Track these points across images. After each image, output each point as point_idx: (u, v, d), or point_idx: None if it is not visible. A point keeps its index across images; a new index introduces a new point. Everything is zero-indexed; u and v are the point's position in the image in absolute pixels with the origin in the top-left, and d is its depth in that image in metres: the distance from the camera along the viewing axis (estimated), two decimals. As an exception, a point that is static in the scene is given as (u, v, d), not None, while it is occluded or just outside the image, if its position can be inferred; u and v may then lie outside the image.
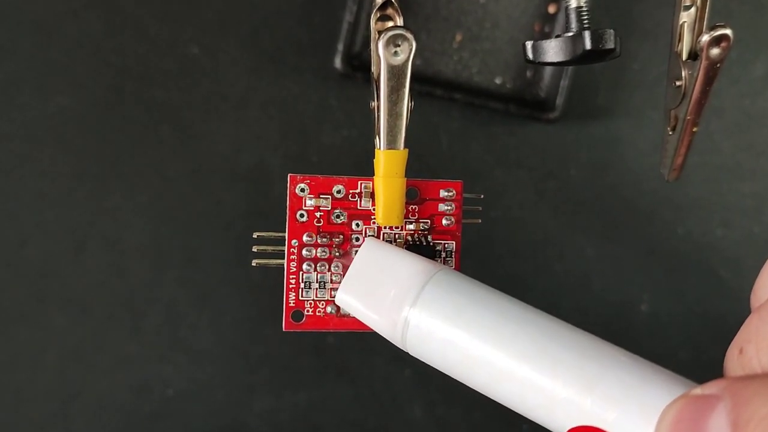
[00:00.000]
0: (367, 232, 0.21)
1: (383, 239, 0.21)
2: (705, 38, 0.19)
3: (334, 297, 0.21)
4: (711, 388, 0.15)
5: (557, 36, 0.20)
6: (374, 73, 0.20)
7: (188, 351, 0.31)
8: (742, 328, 0.16)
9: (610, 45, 0.20)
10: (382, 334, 0.20)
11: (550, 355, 0.17)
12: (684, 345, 0.32)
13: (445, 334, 0.18)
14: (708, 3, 0.20)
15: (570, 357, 0.17)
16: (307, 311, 0.21)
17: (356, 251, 0.21)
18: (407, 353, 0.19)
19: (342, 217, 0.21)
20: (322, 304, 0.21)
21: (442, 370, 0.19)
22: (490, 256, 0.32)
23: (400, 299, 0.19)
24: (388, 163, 0.20)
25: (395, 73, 0.19)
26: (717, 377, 0.15)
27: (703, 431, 0.14)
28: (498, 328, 0.18)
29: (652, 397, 0.16)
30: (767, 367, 0.15)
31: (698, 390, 0.15)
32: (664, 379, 0.16)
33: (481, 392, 0.18)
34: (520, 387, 0.17)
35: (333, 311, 0.21)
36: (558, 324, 0.18)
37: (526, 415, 0.17)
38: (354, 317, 0.20)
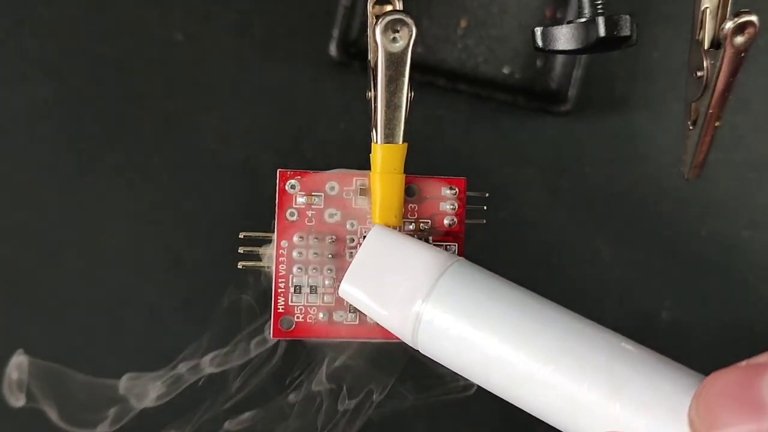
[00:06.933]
0: (363, 232, 0.21)
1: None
2: (729, 25, 0.19)
3: (326, 303, 0.21)
4: (763, 357, 0.15)
5: (569, 22, 0.20)
6: (371, 61, 0.20)
7: (170, 360, 0.31)
8: None
9: (626, 32, 0.20)
10: (390, 330, 0.20)
11: (576, 355, 0.17)
12: (708, 355, 0.32)
13: (461, 331, 0.18)
14: (732, -13, 0.20)
15: (597, 357, 0.17)
16: (297, 318, 0.21)
17: (361, 241, 0.20)
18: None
19: (335, 217, 0.21)
20: (314, 311, 0.21)
21: (456, 370, 0.19)
22: (497, 259, 0.31)
23: (411, 292, 0.19)
24: (386, 158, 0.20)
25: (394, 61, 0.19)
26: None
27: (756, 389, 0.14)
28: (519, 325, 0.18)
29: (685, 402, 0.16)
30: None
31: (744, 363, 0.15)
32: (697, 382, 0.16)
33: (497, 394, 0.18)
34: (541, 389, 0.17)
35: (325, 318, 0.21)
36: (582, 321, 0.18)
37: (546, 420, 0.17)
38: (349, 324, 0.20)
